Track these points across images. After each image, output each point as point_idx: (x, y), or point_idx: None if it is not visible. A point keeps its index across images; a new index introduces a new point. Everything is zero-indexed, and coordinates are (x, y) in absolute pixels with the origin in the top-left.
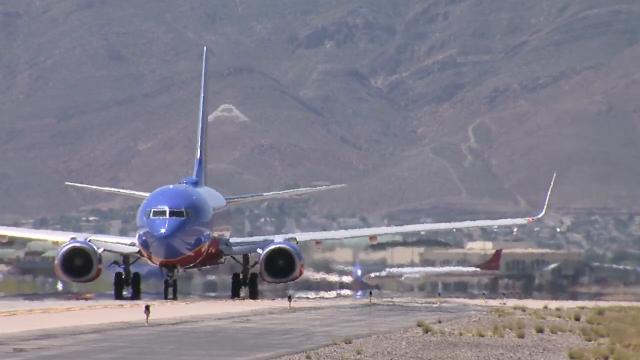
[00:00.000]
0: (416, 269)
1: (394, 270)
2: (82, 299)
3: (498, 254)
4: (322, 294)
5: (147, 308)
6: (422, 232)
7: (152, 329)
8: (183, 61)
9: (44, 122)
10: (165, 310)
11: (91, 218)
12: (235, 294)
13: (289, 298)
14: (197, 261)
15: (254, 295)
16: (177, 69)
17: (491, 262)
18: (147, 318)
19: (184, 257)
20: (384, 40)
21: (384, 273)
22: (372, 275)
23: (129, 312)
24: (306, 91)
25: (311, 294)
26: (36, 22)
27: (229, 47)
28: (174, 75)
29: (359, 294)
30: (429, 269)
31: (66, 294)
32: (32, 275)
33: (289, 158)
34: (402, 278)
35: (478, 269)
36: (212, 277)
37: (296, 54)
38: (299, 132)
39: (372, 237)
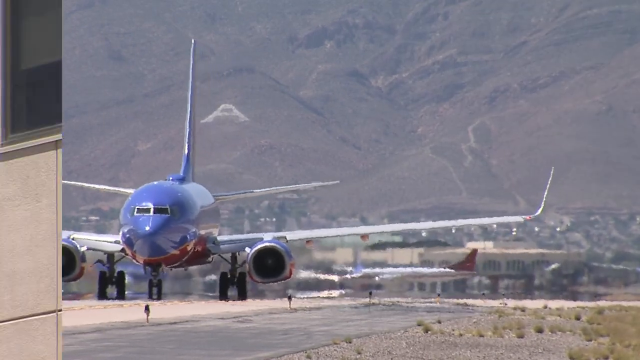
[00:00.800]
0: (391, 269)
1: (369, 270)
2: (81, 299)
3: (473, 254)
4: (324, 293)
5: (147, 307)
6: (423, 233)
7: (152, 328)
8: (183, 61)
9: None
10: (165, 310)
11: (91, 218)
12: (223, 294)
13: (289, 298)
14: (183, 260)
15: (242, 295)
16: (177, 69)
17: (466, 262)
18: (147, 317)
19: (169, 256)
20: (384, 40)
21: (359, 274)
22: (349, 276)
23: (129, 311)
24: (306, 91)
25: (312, 294)
26: None
27: (229, 47)
28: (174, 75)
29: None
30: (404, 269)
31: (66, 294)
32: None
33: (289, 158)
34: (377, 279)
35: (452, 270)
36: (211, 277)
37: (296, 54)
38: (299, 132)
39: (363, 236)
